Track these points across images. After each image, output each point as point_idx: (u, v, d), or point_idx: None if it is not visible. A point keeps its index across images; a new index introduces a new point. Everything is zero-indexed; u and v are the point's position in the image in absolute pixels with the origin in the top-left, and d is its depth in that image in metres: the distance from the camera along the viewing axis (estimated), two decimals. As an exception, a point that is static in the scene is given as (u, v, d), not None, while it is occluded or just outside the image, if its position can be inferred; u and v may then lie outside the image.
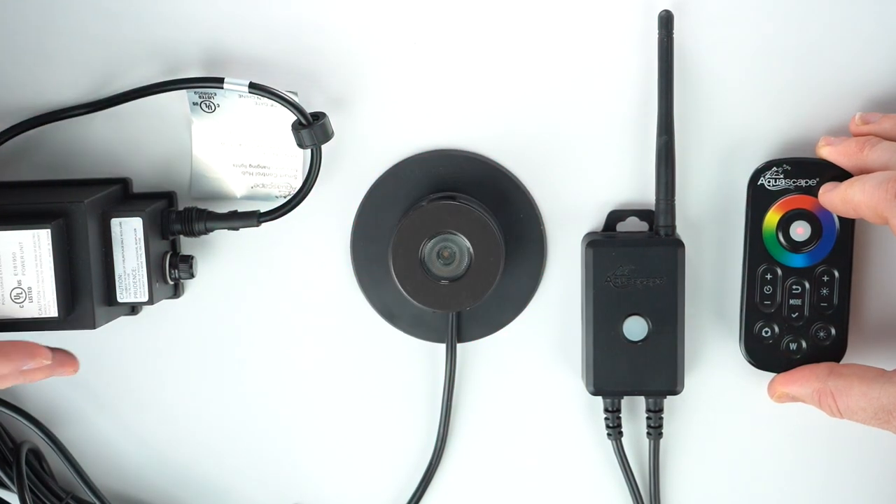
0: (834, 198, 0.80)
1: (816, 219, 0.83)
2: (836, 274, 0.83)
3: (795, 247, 0.83)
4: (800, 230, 0.83)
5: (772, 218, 0.83)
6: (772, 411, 0.87)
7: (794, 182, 0.83)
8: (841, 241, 0.83)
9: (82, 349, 0.88)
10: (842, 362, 0.84)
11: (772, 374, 0.85)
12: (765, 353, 0.85)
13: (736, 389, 0.88)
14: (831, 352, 0.84)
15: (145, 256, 0.81)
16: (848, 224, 0.83)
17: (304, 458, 0.90)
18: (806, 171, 0.83)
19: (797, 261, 0.84)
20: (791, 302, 0.84)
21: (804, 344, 0.84)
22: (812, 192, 0.83)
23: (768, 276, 0.84)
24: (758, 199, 0.83)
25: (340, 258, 0.88)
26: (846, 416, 0.80)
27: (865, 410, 0.79)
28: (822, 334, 0.84)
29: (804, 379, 0.82)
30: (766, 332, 0.84)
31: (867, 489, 0.89)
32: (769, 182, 0.83)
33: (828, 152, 0.82)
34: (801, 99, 0.84)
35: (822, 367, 0.82)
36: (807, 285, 0.84)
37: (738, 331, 0.86)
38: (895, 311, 0.86)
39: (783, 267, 0.84)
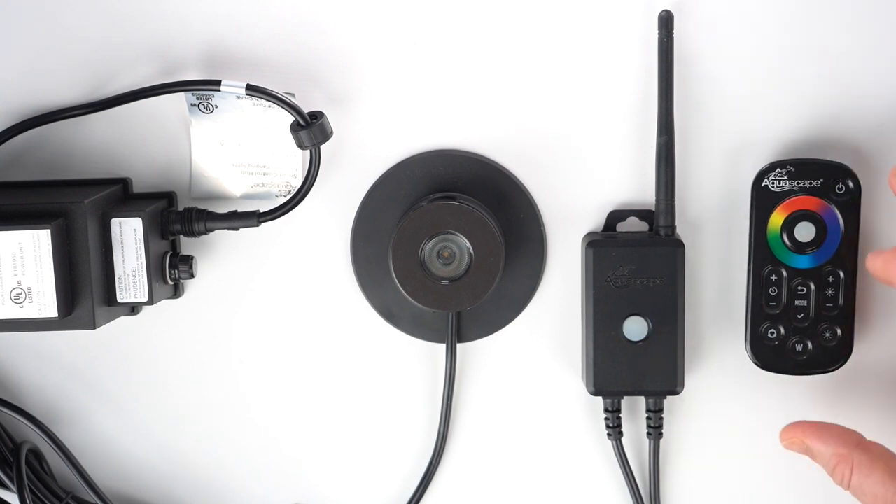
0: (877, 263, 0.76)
1: (821, 220, 0.82)
2: (842, 274, 0.83)
3: (800, 248, 0.83)
4: (805, 231, 0.83)
5: (776, 219, 0.83)
6: (771, 412, 0.87)
7: (798, 183, 0.82)
8: (846, 242, 0.83)
9: (82, 349, 0.88)
10: (847, 363, 0.84)
11: (773, 375, 0.85)
12: (770, 355, 0.84)
13: (735, 390, 0.87)
14: (837, 352, 0.84)
15: (145, 256, 0.81)
16: (853, 225, 0.82)
17: (304, 458, 0.90)
18: (810, 172, 0.82)
19: (802, 262, 0.83)
20: (797, 303, 0.83)
21: (810, 345, 0.84)
22: (816, 193, 0.82)
23: (773, 278, 0.83)
24: (762, 200, 0.83)
25: (340, 258, 0.87)
26: (852, 492, 0.77)
27: (876, 498, 0.76)
28: (827, 335, 0.84)
29: (832, 439, 0.78)
30: (772, 334, 0.84)
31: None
32: (773, 183, 0.83)
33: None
34: (802, 99, 0.83)
35: (853, 435, 0.79)
36: (812, 286, 0.83)
37: (739, 331, 0.85)
38: (900, 311, 0.86)
39: (788, 268, 0.83)
